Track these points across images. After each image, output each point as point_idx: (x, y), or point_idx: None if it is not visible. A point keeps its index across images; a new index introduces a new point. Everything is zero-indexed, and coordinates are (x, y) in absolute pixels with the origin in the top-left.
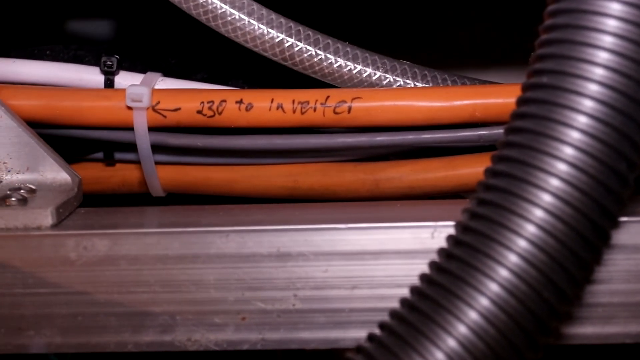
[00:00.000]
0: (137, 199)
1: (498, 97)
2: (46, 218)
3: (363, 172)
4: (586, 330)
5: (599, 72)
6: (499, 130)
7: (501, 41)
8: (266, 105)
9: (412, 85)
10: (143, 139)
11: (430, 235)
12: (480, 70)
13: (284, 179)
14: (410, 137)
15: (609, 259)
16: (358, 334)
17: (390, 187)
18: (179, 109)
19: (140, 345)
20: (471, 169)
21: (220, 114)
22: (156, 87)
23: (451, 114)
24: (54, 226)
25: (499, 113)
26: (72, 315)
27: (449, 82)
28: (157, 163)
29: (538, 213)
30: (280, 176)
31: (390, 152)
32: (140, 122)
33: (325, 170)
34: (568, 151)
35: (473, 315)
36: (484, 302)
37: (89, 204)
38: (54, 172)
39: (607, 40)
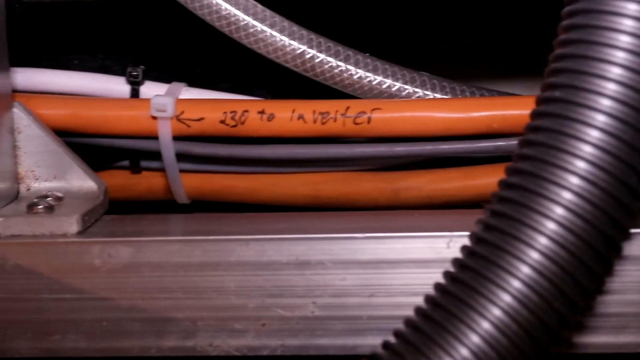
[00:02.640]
0: (163, 206)
1: (515, 108)
2: (72, 225)
3: (382, 181)
4: (599, 339)
5: (611, 87)
6: (516, 142)
7: (521, 52)
8: (287, 115)
9: (432, 97)
10: (167, 147)
11: (446, 245)
12: (499, 81)
13: (305, 188)
14: (429, 147)
15: (621, 270)
16: (375, 341)
17: (409, 196)
18: (203, 118)
19: (163, 350)
20: (489, 179)
21: (242, 123)
22: (180, 97)
23: (469, 125)
24: (80, 233)
25: (516, 124)
26: (97, 320)
27: (467, 93)
28: (181, 171)
29: (550, 225)
30: (301, 185)
31: (409, 162)
32: (165, 131)
33: (345, 179)
34: (580, 165)
35: (485, 325)
36: (496, 312)
37: (116, 211)
38: (81, 180)
39: (620, 55)
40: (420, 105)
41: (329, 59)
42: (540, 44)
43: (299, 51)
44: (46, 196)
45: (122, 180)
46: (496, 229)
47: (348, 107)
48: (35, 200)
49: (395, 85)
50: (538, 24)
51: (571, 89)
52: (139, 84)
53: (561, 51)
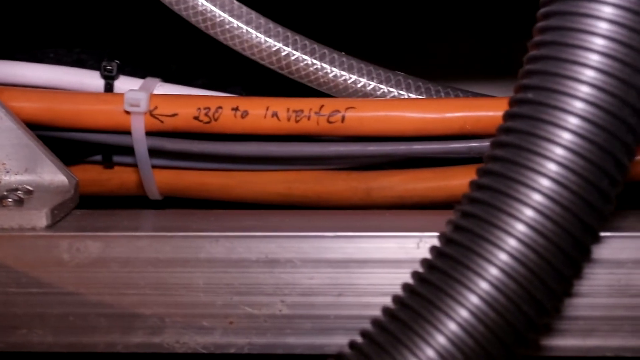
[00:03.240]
0: (135, 202)
1: (488, 110)
2: (41, 219)
3: (355, 180)
4: (567, 342)
5: (584, 90)
6: (489, 143)
7: (496, 53)
8: (261, 112)
9: (407, 96)
10: (140, 143)
11: (416, 245)
12: (474, 82)
13: (278, 186)
14: (402, 147)
15: (590, 273)
16: (343, 341)
17: (381, 196)
18: (176, 114)
19: (129, 347)
20: (461, 180)
21: (216, 120)
22: (155, 92)
23: (442, 125)
24: (49, 227)
25: (489, 126)
26: (64, 315)
27: (442, 94)
28: (154, 167)
29: (520, 227)
30: (274, 183)
31: (382, 162)
32: (138, 126)
33: (318, 178)
34: (551, 166)
35: (452, 326)
36: (463, 313)
37: (88, 206)
38: (52, 174)
39: (593, 58)
40: (395, 105)
41: (305, 56)
42: (515, 45)
43: (274, 48)
44: (16, 189)
45: (94, 175)
46: (466, 230)
47: (322, 106)
48: (5, 193)
49: (370, 85)
50: (513, 26)
51: (544, 90)
52: (114, 78)
53: (535, 53)
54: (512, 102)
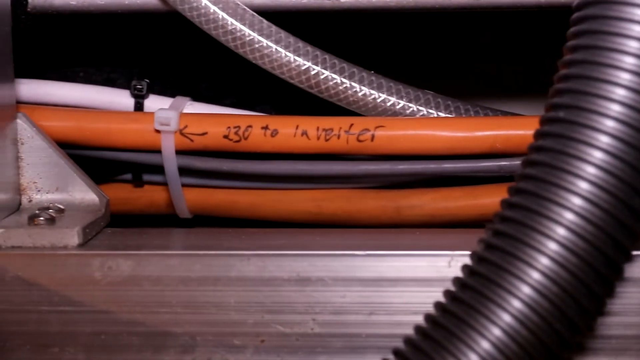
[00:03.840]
0: (165, 220)
1: (519, 128)
2: (72, 238)
3: (385, 199)
4: None
5: (615, 109)
6: (519, 162)
7: (526, 72)
8: (291, 131)
9: (435, 115)
10: (170, 161)
11: (447, 264)
12: (503, 101)
13: (307, 204)
14: (432, 166)
15: (622, 292)
16: (374, 359)
17: (411, 214)
18: (206, 133)
19: None
20: (491, 199)
21: (246, 139)
22: (185, 111)
23: (472, 144)
24: (80, 246)
25: (519, 144)
26: (96, 333)
27: (471, 112)
28: (184, 185)
29: (552, 246)
30: (303, 201)
31: (412, 181)
32: (168, 145)
33: (347, 196)
34: (583, 186)
35: (485, 344)
36: (496, 332)
37: (118, 224)
38: (83, 193)
39: (624, 77)
40: (424, 124)
41: (334, 75)
42: (545, 64)
43: (304, 67)
44: (48, 208)
45: (124, 194)
46: (497, 249)
47: (352, 124)
48: (37, 212)
49: (399, 103)
50: (544, 45)
51: (575, 109)
52: (144, 97)
53: (566, 72)
54: (543, 121)
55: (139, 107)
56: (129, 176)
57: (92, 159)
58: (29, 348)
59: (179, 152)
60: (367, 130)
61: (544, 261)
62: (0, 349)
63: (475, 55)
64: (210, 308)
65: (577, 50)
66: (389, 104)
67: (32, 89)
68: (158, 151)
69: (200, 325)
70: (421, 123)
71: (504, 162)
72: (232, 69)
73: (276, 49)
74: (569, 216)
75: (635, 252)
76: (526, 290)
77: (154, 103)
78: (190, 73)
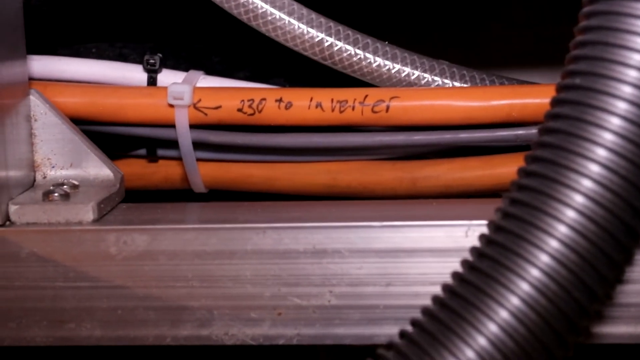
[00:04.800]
0: (180, 195)
1: (535, 97)
2: (87, 213)
3: (401, 170)
4: (619, 329)
5: (632, 74)
6: (536, 131)
7: (542, 40)
8: (305, 103)
9: (450, 85)
10: (184, 136)
11: (464, 234)
12: (519, 69)
13: (322, 177)
14: (448, 136)
15: None
16: (392, 331)
17: (427, 185)
18: (220, 106)
19: (178, 339)
20: (508, 168)
21: (260, 112)
22: (198, 85)
23: (488, 113)
24: (95, 221)
25: (535, 113)
26: (112, 308)
27: (487, 81)
28: (198, 160)
29: (570, 213)
30: (319, 174)
31: (428, 151)
32: (182, 119)
33: (363, 168)
34: (600, 152)
35: (503, 314)
36: (514, 301)
37: (132, 200)
38: (97, 169)
39: None
40: (439, 94)
41: (348, 46)
42: (561, 31)
43: (317, 39)
44: (62, 184)
45: (138, 169)
46: (515, 218)
47: (366, 96)
48: (51, 188)
49: (414, 74)
50: (559, 11)
51: (592, 75)
52: (156, 72)
53: (582, 38)
54: (560, 88)
55: (152, 81)
56: (143, 151)
57: (105, 135)
58: (46, 324)
59: (193, 126)
60: (382, 101)
61: (562, 229)
62: (16, 325)
63: (491, 23)
64: (227, 282)
65: (593, 16)
66: (403, 75)
67: (44, 65)
68: (172, 126)
69: (217, 299)
70: (436, 93)
71: (520, 131)
72: (245, 42)
73: (289, 21)
74: (587, 183)
75: None
76: (544, 259)
77: (167, 77)
78: (203, 47)
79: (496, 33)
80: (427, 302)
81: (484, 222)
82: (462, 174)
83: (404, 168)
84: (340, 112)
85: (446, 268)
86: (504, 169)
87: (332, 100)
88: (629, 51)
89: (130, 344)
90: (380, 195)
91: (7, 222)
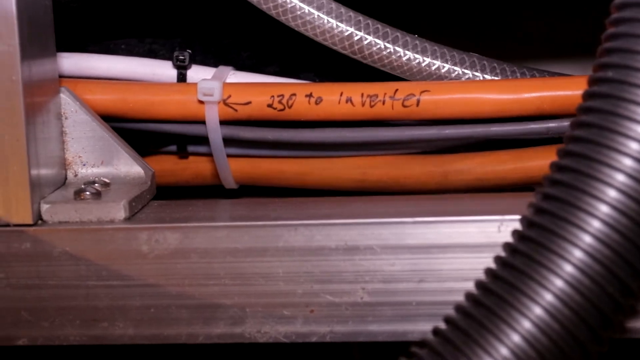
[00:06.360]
0: (211, 191)
1: (566, 89)
2: (119, 211)
3: (432, 164)
4: None
5: None
6: (568, 123)
7: (572, 31)
8: (335, 98)
9: (481, 78)
10: (215, 132)
11: (496, 229)
12: (550, 61)
13: (353, 171)
14: (479, 129)
15: None
16: (425, 327)
17: (458, 179)
18: (250, 102)
19: (211, 337)
20: (540, 162)
21: (290, 107)
22: (227, 80)
23: (519, 106)
24: (127, 219)
25: (567, 105)
26: (145, 307)
27: (517, 74)
28: (229, 156)
29: (603, 208)
30: (349, 168)
31: (459, 145)
32: (212, 115)
33: (394, 162)
34: (634, 146)
35: (537, 310)
36: (548, 297)
37: (163, 196)
38: (128, 166)
39: None
40: (470, 87)
41: (377, 40)
42: (592, 23)
43: (347, 33)
44: (93, 182)
45: (169, 166)
46: (548, 213)
47: (397, 90)
48: (83, 186)
49: (444, 67)
50: (590, 3)
51: (624, 69)
52: (186, 68)
53: (614, 30)
54: (592, 81)
55: (181, 78)
56: (173, 148)
57: (136, 132)
58: (79, 323)
59: (223, 122)
60: (412, 95)
61: (596, 224)
62: (50, 324)
63: (522, 15)
64: (259, 279)
65: (625, 7)
66: (433, 68)
67: (74, 62)
68: (202, 122)
69: (249, 296)
70: (467, 86)
71: (551, 124)
72: (274, 37)
73: (318, 15)
74: (620, 178)
75: None
76: (578, 254)
77: (197, 73)
78: (232, 42)
79: (528, 24)
80: (460, 298)
81: (517, 217)
82: (494, 168)
83: (435, 162)
84: (371, 106)
85: (479, 264)
86: (536, 162)
87: (362, 94)
88: None
89: (163, 342)
90: (412, 189)
91: (40, 221)
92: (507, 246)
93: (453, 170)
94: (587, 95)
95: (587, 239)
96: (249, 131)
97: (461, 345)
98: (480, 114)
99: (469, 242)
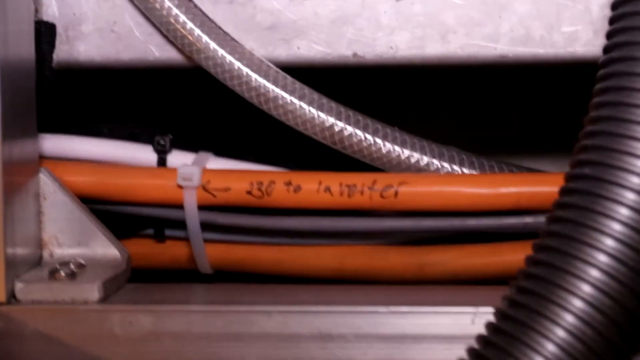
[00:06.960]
0: (186, 274)
1: (543, 185)
2: (93, 292)
3: (408, 255)
4: None
5: None
6: (544, 219)
7: (550, 129)
8: (314, 187)
9: (460, 171)
10: (193, 217)
11: (470, 321)
12: (527, 157)
13: (330, 260)
14: (456, 222)
15: None
16: None
17: (434, 271)
18: (229, 188)
19: None
20: (516, 256)
21: (269, 195)
22: (207, 166)
23: (496, 201)
24: (101, 301)
25: (544, 201)
26: None
27: (495, 169)
28: (206, 241)
29: (577, 303)
30: (326, 257)
31: (436, 237)
32: (190, 200)
33: (370, 252)
34: (609, 243)
35: None
36: None
37: (139, 279)
38: (104, 248)
39: None
40: (448, 180)
41: (358, 132)
42: (570, 120)
43: (328, 124)
44: (69, 262)
45: (146, 249)
46: (523, 306)
47: (375, 180)
48: (58, 266)
49: (423, 160)
50: (569, 101)
51: (601, 166)
52: (166, 152)
53: (591, 128)
54: (568, 178)
55: (162, 162)
56: (151, 231)
57: (114, 214)
58: None
59: (202, 207)
60: (391, 186)
61: (569, 319)
62: None
63: (499, 111)
64: None
65: (603, 107)
66: (413, 161)
67: (55, 143)
68: (180, 206)
69: None
70: (445, 179)
71: (528, 220)
72: (255, 124)
73: (300, 105)
74: (595, 273)
75: None
76: (551, 348)
77: (177, 158)
78: (213, 128)
79: (505, 120)
80: None
81: (491, 309)
82: (470, 261)
83: (411, 253)
84: (349, 196)
85: (452, 355)
86: (512, 257)
87: (340, 184)
88: (638, 142)
89: None
90: (387, 279)
91: (13, 300)
92: (480, 338)
93: (429, 262)
94: (563, 191)
95: (561, 333)
96: (227, 217)
97: None
98: (458, 207)
99: (442, 333)
